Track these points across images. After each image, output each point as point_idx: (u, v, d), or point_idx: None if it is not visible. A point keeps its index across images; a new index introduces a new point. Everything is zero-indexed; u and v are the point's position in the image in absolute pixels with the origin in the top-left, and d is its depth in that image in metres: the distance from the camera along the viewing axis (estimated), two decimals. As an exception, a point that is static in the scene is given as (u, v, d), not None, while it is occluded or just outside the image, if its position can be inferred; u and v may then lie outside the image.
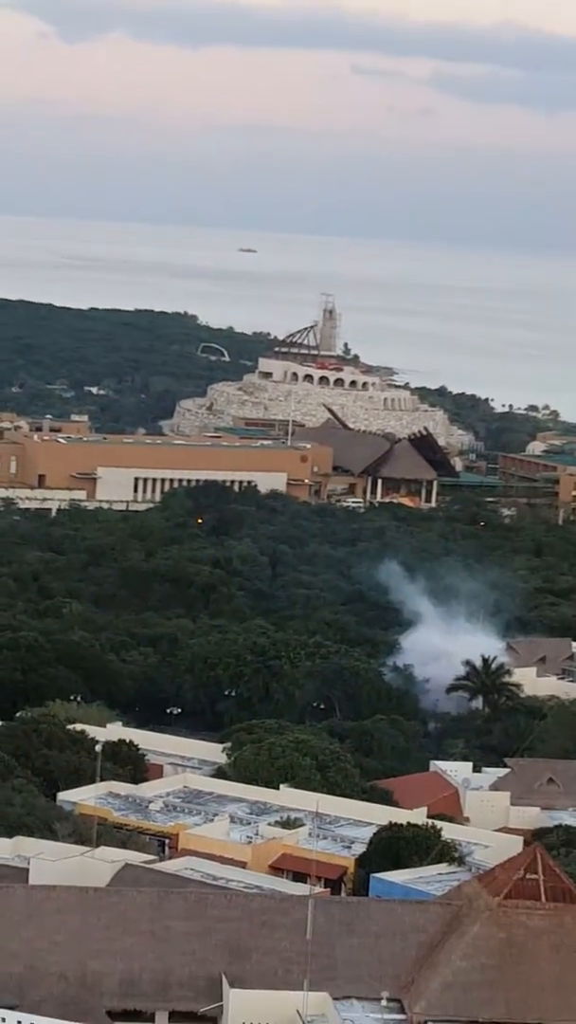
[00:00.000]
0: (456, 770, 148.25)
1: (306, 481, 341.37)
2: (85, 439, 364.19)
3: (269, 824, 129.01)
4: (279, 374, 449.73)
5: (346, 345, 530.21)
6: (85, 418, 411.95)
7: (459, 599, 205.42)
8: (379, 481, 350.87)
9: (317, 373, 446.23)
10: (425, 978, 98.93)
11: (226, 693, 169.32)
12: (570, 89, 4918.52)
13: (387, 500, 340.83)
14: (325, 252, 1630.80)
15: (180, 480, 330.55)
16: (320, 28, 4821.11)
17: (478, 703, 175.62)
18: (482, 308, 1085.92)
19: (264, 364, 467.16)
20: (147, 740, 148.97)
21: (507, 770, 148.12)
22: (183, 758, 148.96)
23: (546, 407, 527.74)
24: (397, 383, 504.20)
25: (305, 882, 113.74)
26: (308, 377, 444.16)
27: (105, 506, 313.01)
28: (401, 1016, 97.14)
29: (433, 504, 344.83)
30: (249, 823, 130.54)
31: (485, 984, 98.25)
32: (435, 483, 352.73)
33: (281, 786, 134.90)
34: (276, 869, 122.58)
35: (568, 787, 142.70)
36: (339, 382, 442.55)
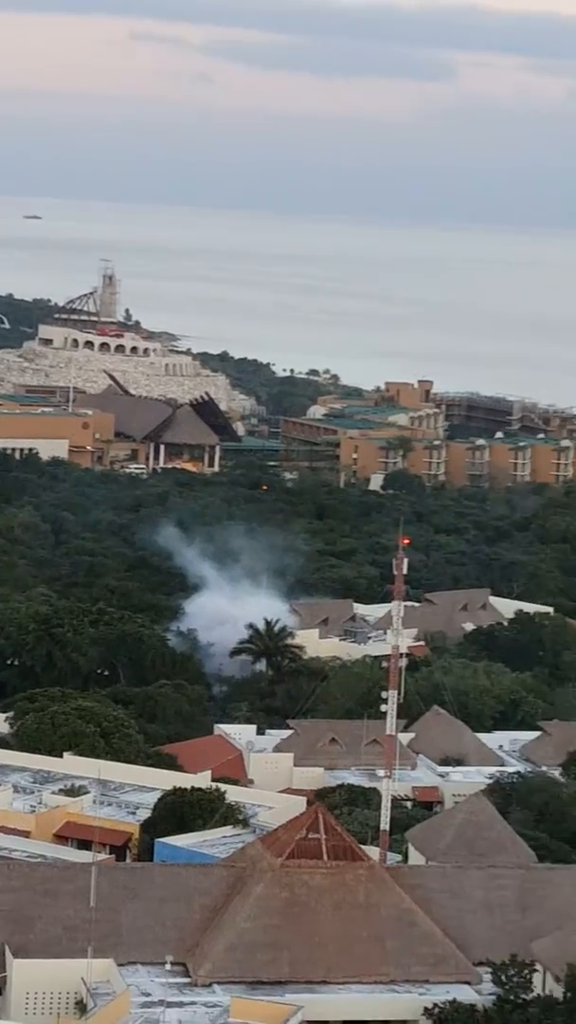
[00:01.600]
0: (240, 733, 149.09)
1: (88, 448, 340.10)
2: None
3: (53, 792, 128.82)
4: (59, 341, 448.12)
5: (127, 311, 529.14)
6: None
7: (242, 563, 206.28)
8: (161, 447, 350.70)
9: (98, 339, 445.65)
10: (209, 941, 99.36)
11: (8, 662, 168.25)
12: (347, 56, 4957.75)
13: (170, 466, 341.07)
14: (110, 218, 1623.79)
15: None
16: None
17: (262, 666, 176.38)
18: (266, 274, 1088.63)
19: (44, 331, 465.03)
20: None
21: (290, 732, 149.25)
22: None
23: (327, 371, 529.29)
24: (178, 348, 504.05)
25: (90, 849, 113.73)
26: (89, 343, 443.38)
27: None
28: (186, 979, 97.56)
29: (216, 469, 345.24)
30: (32, 792, 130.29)
31: (269, 944, 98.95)
32: (217, 448, 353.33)
33: (64, 754, 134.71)
34: (60, 837, 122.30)
35: (350, 747, 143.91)
36: (120, 348, 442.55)
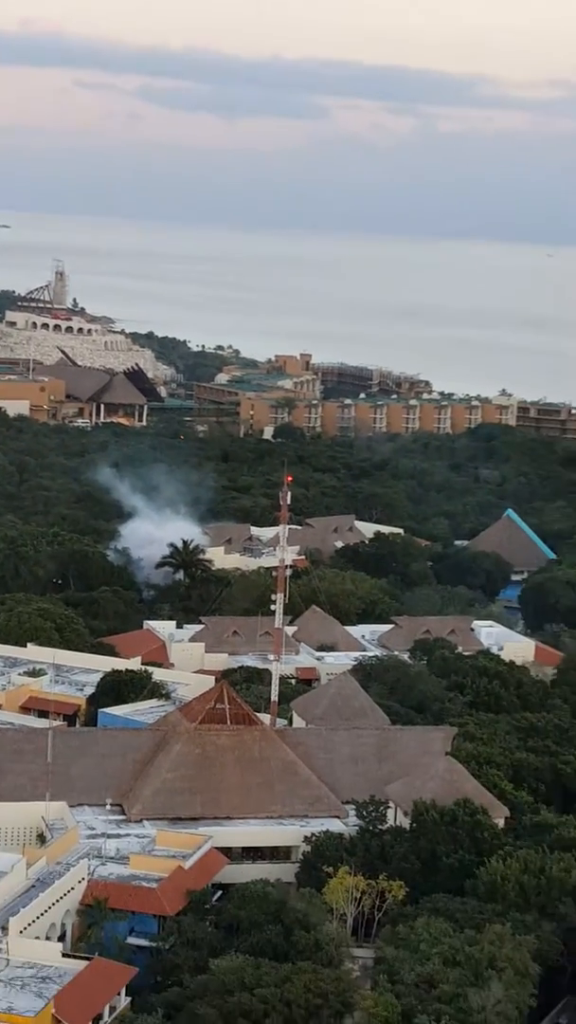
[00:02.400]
0: (163, 627, 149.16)
1: (45, 407, 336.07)
2: None
3: (19, 674, 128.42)
4: (22, 323, 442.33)
5: (75, 300, 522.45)
6: None
7: (164, 496, 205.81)
8: (102, 406, 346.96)
9: (52, 322, 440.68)
10: (140, 787, 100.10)
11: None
12: (244, 99, 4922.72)
13: (108, 420, 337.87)
14: (62, 226, 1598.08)
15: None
16: (49, 50, 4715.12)
17: (180, 575, 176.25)
18: (182, 271, 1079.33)
19: (10, 316, 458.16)
20: None
21: (202, 626, 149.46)
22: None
23: (230, 346, 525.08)
24: (115, 329, 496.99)
25: (48, 717, 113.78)
26: (45, 325, 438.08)
27: None
28: (122, 817, 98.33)
29: (144, 423, 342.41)
30: (3, 674, 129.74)
31: (186, 790, 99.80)
32: (145, 407, 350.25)
33: (28, 644, 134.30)
34: (25, 709, 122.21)
35: (248, 637, 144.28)
36: (69, 329, 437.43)
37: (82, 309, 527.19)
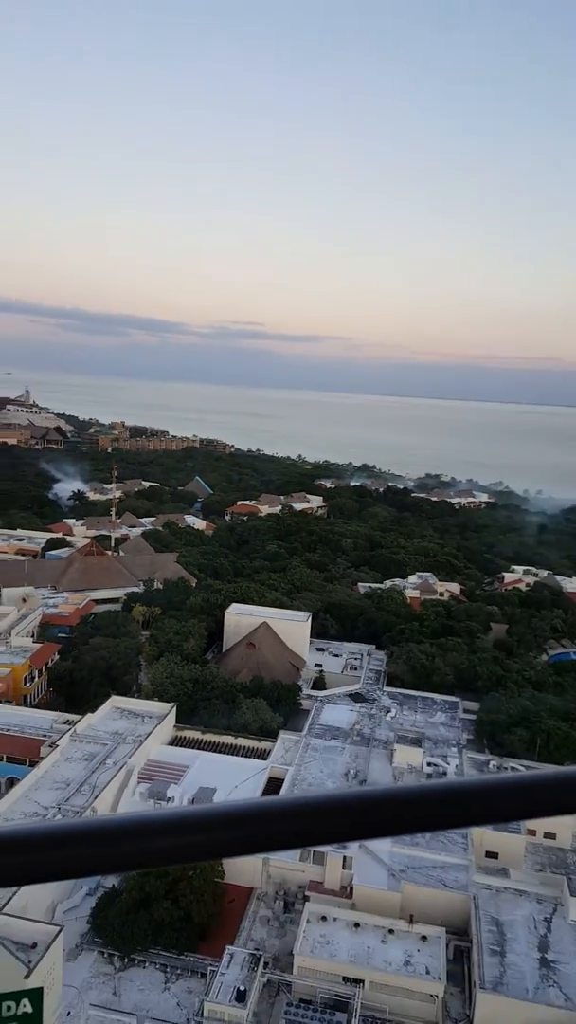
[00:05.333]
0: (72, 523, 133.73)
1: (23, 440, 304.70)
2: None
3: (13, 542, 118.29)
4: (12, 408, 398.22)
5: (30, 396, 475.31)
6: None
7: (72, 473, 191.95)
8: (47, 441, 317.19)
9: (22, 408, 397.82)
10: (62, 579, 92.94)
11: None
12: (87, 327, 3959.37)
13: (48, 447, 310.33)
14: (24, 377, 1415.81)
15: None
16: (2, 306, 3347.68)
17: (77, 502, 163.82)
18: (66, 391, 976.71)
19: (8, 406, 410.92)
20: None
21: (85, 520, 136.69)
22: None
23: (93, 418, 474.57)
24: (49, 412, 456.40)
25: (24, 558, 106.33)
26: (19, 408, 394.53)
27: None
28: (56, 591, 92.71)
29: (63, 446, 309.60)
30: (6, 540, 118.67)
31: (80, 577, 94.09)
32: (63, 441, 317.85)
33: (18, 529, 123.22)
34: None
35: (102, 524, 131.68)
36: (29, 409, 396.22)
37: (35, 402, 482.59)
